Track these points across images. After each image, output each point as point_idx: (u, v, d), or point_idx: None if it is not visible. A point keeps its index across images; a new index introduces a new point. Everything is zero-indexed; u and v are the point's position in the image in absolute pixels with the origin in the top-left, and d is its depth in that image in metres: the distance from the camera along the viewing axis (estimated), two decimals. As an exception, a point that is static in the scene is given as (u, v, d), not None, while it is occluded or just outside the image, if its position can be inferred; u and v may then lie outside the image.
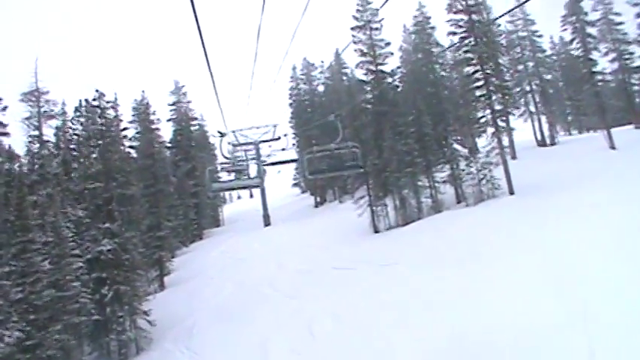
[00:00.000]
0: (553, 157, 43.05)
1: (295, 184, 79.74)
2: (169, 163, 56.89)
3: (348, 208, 45.88)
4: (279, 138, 54.89)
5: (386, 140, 34.55)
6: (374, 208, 36.44)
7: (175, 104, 61.98)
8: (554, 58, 60.22)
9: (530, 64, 54.84)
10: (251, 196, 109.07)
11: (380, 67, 37.38)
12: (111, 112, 28.40)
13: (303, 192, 77.66)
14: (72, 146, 33.11)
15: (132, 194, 27.94)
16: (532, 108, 55.41)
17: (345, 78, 60.25)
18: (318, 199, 61.41)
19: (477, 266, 20.93)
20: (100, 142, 26.41)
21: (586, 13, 44.15)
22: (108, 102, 27.74)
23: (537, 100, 55.56)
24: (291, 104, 63.44)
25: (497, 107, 33.14)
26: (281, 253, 35.19)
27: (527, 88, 55.33)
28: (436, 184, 36.94)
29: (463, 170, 34.46)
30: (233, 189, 30.51)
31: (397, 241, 29.88)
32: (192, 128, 63.42)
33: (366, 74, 37.59)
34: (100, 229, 24.42)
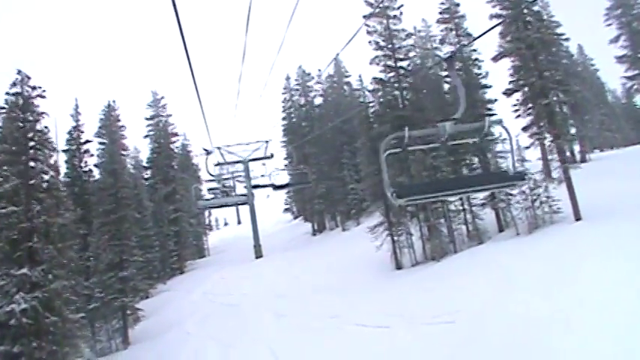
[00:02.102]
0: (596, 177, 35.69)
1: (287, 209, 72.01)
2: (144, 185, 49.42)
3: (354, 236, 39.30)
4: (271, 156, 48.05)
5: (410, 152, 27.06)
6: (395, 238, 29.04)
7: (153, 118, 53.98)
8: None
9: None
10: (239, 222, 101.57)
11: (400, 64, 30.32)
12: (39, 103, 19.97)
13: (295, 217, 70.34)
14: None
15: (64, 224, 19.39)
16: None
17: (346, 88, 53.42)
18: (316, 225, 53.73)
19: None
20: (20, 146, 18.29)
21: (632, 6, 37.48)
22: (34, 88, 19.62)
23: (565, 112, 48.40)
24: (284, 118, 56.10)
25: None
26: (280, 297, 27.35)
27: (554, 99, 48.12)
28: (473, 208, 29.46)
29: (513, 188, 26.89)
30: (220, 206, 27.30)
31: (437, 284, 21.99)
32: (172, 146, 55.14)
33: (383, 71, 30.31)
34: (14, 278, 16.22)
